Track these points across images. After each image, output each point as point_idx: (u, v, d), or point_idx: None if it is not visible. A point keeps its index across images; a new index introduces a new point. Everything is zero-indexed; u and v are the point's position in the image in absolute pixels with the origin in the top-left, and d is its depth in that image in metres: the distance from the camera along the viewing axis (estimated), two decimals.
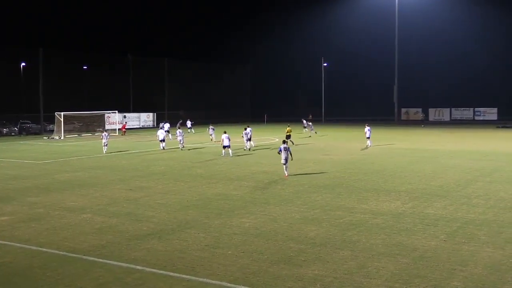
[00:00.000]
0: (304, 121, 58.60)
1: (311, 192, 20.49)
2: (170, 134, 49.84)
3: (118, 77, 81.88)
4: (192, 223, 15.59)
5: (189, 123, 63.26)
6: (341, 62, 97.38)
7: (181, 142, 39.59)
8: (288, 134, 43.22)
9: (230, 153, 33.66)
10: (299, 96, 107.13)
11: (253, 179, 24.24)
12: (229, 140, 34.07)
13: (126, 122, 67.88)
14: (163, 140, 40.32)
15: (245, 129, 38.68)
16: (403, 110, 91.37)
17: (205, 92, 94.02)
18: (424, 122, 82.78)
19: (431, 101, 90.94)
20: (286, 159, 24.50)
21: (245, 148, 38.39)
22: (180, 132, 40.26)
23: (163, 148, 39.77)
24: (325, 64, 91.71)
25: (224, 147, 33.87)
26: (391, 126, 74.20)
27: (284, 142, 25.55)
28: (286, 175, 24.58)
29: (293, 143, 40.92)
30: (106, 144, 38.39)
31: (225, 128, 45.95)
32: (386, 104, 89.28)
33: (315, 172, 26.45)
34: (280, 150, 24.58)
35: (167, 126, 52.76)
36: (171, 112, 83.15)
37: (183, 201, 19.12)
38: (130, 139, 53.35)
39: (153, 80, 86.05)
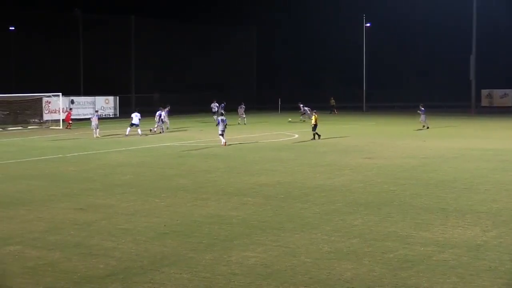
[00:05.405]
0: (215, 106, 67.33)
1: (346, 213, 20.45)
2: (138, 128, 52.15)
3: (62, 44, 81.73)
4: (171, 259, 15.56)
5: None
6: (391, 23, 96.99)
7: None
8: None
9: (140, 132, 49.48)
10: (327, 73, 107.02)
11: (261, 193, 24.22)
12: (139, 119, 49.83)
13: (71, 110, 67.87)
14: (135, 125, 51.16)
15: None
16: (484, 92, 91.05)
17: (190, 67, 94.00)
18: None
19: None
20: (223, 131, 39.24)
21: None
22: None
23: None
24: (367, 25, 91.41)
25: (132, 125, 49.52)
26: (465, 116, 73.97)
27: (222, 114, 40.28)
28: (225, 142, 39.18)
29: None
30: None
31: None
32: (457, 84, 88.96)
33: (352, 183, 26.41)
34: (219, 123, 39.88)
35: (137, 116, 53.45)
36: (140, 95, 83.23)
37: (158, 226, 19.09)
38: (78, 134, 53.35)
39: (115, 49, 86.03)
